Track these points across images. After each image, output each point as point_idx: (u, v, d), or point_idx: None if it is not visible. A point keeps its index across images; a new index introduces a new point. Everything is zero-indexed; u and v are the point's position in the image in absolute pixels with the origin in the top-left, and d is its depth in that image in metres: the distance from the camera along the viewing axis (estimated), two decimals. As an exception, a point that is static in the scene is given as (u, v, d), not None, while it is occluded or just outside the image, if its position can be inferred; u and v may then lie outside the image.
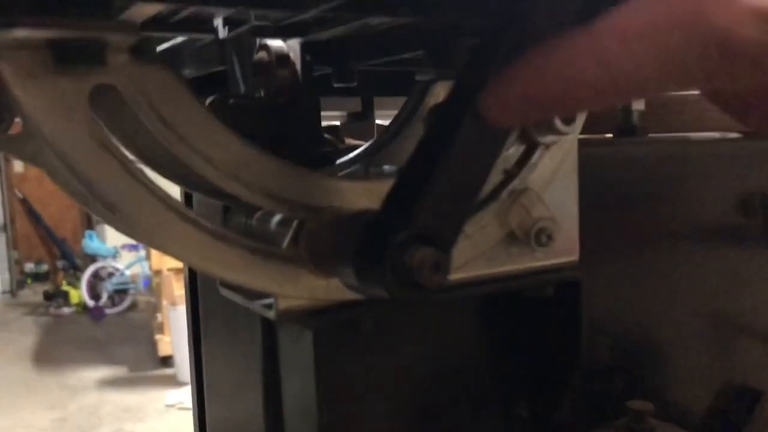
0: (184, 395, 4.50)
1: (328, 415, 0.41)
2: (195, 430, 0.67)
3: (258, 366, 0.46)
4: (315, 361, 0.39)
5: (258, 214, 0.45)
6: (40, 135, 0.32)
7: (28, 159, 0.41)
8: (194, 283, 0.62)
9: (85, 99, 0.32)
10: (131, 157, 0.42)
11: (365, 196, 0.40)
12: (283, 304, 0.39)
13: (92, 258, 7.54)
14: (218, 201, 0.45)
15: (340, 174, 0.51)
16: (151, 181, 0.34)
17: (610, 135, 0.68)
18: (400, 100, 0.94)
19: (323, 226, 0.38)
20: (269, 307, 0.40)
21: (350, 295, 0.39)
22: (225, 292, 0.45)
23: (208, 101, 0.50)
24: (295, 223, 0.38)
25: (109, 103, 0.36)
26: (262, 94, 0.50)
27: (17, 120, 0.41)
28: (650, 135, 0.67)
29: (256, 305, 0.41)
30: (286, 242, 0.38)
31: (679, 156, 0.64)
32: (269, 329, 0.45)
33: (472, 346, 0.48)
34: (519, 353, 0.50)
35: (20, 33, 0.28)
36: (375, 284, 0.32)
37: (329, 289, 0.39)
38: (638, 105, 0.65)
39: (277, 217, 0.43)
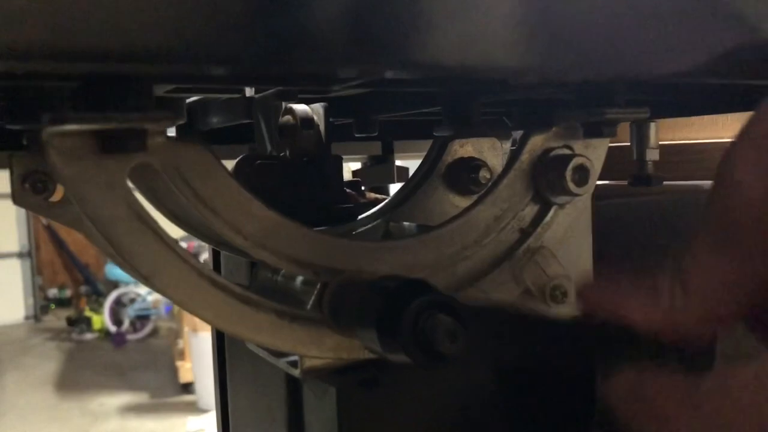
0: (205, 422, 4.51)
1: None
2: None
3: (282, 422, 0.47)
4: (338, 418, 0.41)
5: (284, 271, 0.47)
6: (83, 210, 0.34)
7: (69, 224, 0.43)
8: (221, 334, 0.64)
9: (124, 177, 0.34)
10: (166, 220, 0.44)
11: (387, 258, 0.42)
12: (307, 363, 0.41)
13: (114, 284, 7.62)
14: (247, 259, 0.48)
15: (360, 230, 0.53)
16: (185, 251, 0.36)
17: (624, 182, 0.70)
18: (420, 143, 0.96)
19: (346, 289, 0.40)
20: (294, 365, 0.42)
21: (373, 355, 0.40)
22: (252, 347, 0.47)
23: (236, 160, 0.53)
24: (318, 285, 0.40)
25: (147, 177, 0.39)
26: (287, 153, 0.53)
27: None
28: (666, 183, 0.69)
29: (282, 363, 0.43)
30: (310, 304, 0.40)
31: (694, 204, 0.65)
32: (294, 385, 0.47)
33: (491, 400, 0.49)
34: (536, 405, 0.51)
35: (68, 127, 0.30)
36: (396, 350, 0.34)
37: (352, 348, 0.41)
38: (652, 155, 0.66)
39: (301, 276, 0.45)
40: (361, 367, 0.42)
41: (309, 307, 0.40)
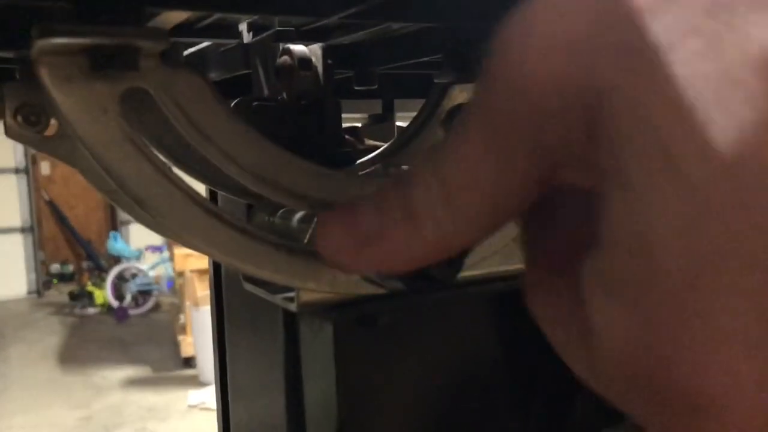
0: (206, 395, 4.55)
1: (348, 406, 0.42)
2: (219, 429, 0.69)
3: (280, 363, 0.47)
4: (335, 353, 0.41)
5: (280, 212, 0.47)
6: (75, 134, 0.34)
7: (63, 158, 0.43)
8: (219, 285, 0.64)
9: (117, 100, 0.34)
10: (159, 155, 0.44)
11: (383, 194, 0.41)
12: (304, 297, 0.41)
13: (116, 259, 7.65)
14: (242, 199, 0.47)
15: (360, 173, 0.52)
16: (179, 178, 0.36)
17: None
18: (421, 102, 0.95)
19: (343, 223, 0.39)
20: (291, 300, 0.41)
21: (369, 290, 0.40)
22: (248, 287, 0.46)
23: (232, 104, 0.52)
24: (315, 220, 0.40)
25: (140, 105, 0.38)
26: (285, 96, 0.52)
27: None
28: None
29: (278, 298, 0.43)
30: (307, 238, 0.40)
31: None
32: (291, 327, 0.46)
33: (487, 342, 0.49)
34: (533, 352, 0.51)
35: (58, 41, 0.30)
36: (391, 277, 0.34)
37: (349, 283, 0.40)
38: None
39: (298, 215, 0.45)
40: (358, 304, 0.42)
41: (306, 240, 0.40)
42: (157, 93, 0.35)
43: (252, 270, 0.38)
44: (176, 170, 0.47)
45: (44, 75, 0.32)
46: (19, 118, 0.41)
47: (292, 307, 0.41)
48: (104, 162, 0.34)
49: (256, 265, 0.38)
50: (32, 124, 0.41)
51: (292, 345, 0.46)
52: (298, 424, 0.48)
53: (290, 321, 0.47)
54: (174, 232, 0.36)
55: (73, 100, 0.33)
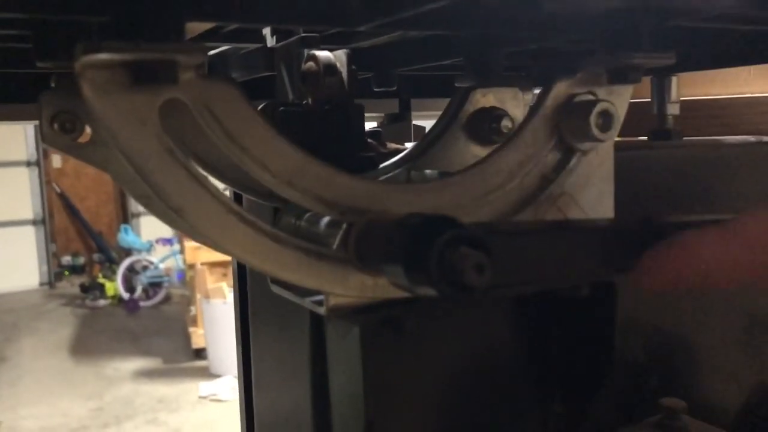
0: (217, 387, 4.58)
1: (374, 407, 0.43)
2: (242, 422, 0.70)
3: (306, 361, 0.48)
4: (362, 356, 0.42)
5: (307, 216, 0.48)
6: (116, 145, 0.35)
7: (97, 164, 0.44)
8: (243, 279, 0.65)
9: (155, 111, 0.35)
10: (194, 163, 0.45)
11: (412, 200, 0.42)
12: (333, 301, 0.42)
13: (127, 251, 7.69)
14: (271, 203, 0.48)
15: (383, 178, 0.53)
16: (215, 187, 0.37)
17: (644, 138, 0.70)
18: (437, 102, 0.96)
19: (372, 228, 0.40)
20: (320, 303, 0.42)
21: (397, 294, 0.41)
22: (276, 289, 0.47)
23: (259, 108, 0.53)
24: (344, 226, 0.41)
25: (174, 116, 0.39)
26: (310, 101, 0.53)
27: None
28: (685, 138, 0.69)
29: (307, 302, 0.44)
30: (336, 244, 0.40)
31: (713, 159, 0.65)
32: (317, 325, 0.47)
33: (509, 343, 0.50)
34: (554, 351, 0.52)
35: (103, 57, 0.31)
36: (423, 284, 0.35)
37: (377, 287, 0.41)
38: (673, 109, 0.66)
39: (325, 219, 0.46)
40: (385, 307, 0.43)
41: (335, 246, 0.41)
42: (194, 104, 0.36)
43: (284, 275, 0.39)
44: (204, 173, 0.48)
45: (86, 88, 0.33)
46: (56, 126, 0.42)
47: (321, 311, 0.41)
48: (143, 172, 0.35)
49: (288, 270, 0.39)
50: (68, 131, 0.42)
51: (318, 346, 0.47)
52: (324, 424, 0.49)
53: (317, 322, 0.48)
54: (210, 240, 0.37)
55: (113, 112, 0.34)
